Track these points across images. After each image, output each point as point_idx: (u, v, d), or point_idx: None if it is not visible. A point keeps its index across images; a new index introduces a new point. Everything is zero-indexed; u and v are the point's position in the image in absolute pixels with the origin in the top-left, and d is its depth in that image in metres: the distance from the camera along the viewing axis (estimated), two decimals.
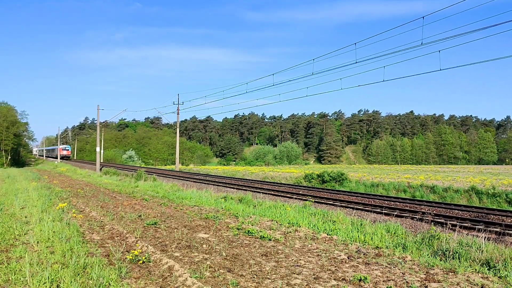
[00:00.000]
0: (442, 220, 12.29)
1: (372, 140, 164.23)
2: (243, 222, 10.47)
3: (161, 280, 5.95)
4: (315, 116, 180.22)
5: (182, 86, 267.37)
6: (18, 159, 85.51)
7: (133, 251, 7.24)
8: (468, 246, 7.45)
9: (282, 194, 20.85)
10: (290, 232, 9.38)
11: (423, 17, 14.56)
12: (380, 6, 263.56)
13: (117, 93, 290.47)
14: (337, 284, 5.73)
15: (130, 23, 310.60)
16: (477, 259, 6.76)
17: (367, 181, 31.58)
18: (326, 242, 8.44)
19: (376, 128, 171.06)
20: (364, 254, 7.45)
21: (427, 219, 11.58)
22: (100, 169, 42.20)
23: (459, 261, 6.78)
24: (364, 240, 8.48)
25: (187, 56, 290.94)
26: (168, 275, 6.11)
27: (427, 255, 7.30)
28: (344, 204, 16.37)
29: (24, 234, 8.91)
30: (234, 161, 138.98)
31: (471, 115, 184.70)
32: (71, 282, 5.48)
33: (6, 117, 73.49)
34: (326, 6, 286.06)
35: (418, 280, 5.90)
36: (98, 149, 44.62)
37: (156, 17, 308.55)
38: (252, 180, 34.71)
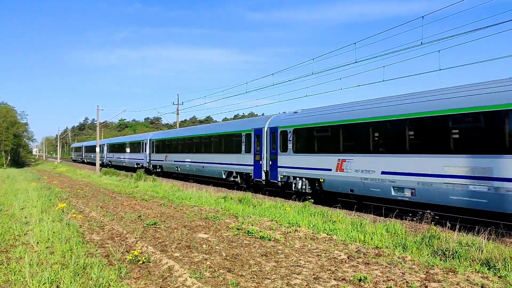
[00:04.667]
0: (442, 220, 12.28)
1: None
2: (243, 222, 10.47)
3: (161, 280, 5.95)
4: None
5: (182, 86, 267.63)
6: (18, 159, 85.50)
7: (133, 251, 7.24)
8: (468, 246, 7.45)
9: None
10: (290, 232, 9.37)
11: (422, 16, 14.41)
12: (380, 6, 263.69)
13: (117, 93, 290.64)
14: (337, 284, 5.73)
15: (130, 23, 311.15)
16: (477, 258, 6.76)
17: None
18: (326, 242, 8.43)
19: None
20: (364, 254, 7.45)
21: (427, 219, 11.56)
22: (100, 170, 42.17)
23: (459, 261, 6.78)
24: (364, 240, 8.47)
25: (187, 56, 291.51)
26: (168, 275, 6.11)
27: (427, 255, 7.30)
28: (344, 204, 16.33)
29: (24, 234, 8.90)
30: None
31: None
32: (71, 282, 5.48)
33: (6, 118, 73.60)
34: (326, 6, 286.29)
35: (418, 280, 5.90)
36: (97, 149, 44.60)
37: (156, 17, 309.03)
38: None
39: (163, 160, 33.25)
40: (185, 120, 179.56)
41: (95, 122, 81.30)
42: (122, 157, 47.34)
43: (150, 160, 36.79)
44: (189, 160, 27.71)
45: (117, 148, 49.94)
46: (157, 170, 34.81)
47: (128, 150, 44.75)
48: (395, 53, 16.64)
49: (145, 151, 37.90)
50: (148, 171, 36.13)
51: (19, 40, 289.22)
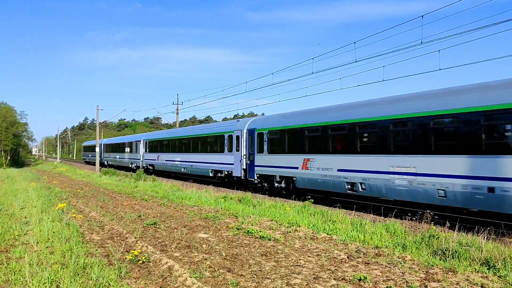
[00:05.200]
0: (442, 220, 12.28)
1: None
2: (242, 222, 10.47)
3: (161, 280, 5.95)
4: None
5: (182, 86, 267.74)
6: (18, 159, 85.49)
7: (132, 251, 7.24)
8: (467, 246, 7.46)
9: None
10: (290, 232, 9.38)
11: (422, 16, 14.50)
12: (380, 6, 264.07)
13: (117, 93, 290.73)
14: (337, 284, 5.73)
15: (130, 23, 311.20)
16: (477, 258, 6.77)
17: None
18: (326, 242, 8.44)
19: None
20: (363, 253, 7.46)
21: (427, 219, 11.58)
22: (100, 169, 42.17)
23: (459, 261, 6.78)
24: (364, 239, 8.48)
25: (187, 56, 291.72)
26: (168, 275, 6.11)
27: (427, 254, 7.31)
28: (343, 204, 16.34)
29: (24, 234, 8.91)
30: None
31: None
32: (71, 282, 5.48)
33: (5, 118, 73.57)
34: (326, 6, 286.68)
35: (418, 280, 5.90)
36: (97, 149, 44.60)
37: (156, 17, 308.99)
38: None
39: (297, 168, 17.09)
40: (185, 120, 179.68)
41: (94, 122, 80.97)
42: (168, 159, 31.90)
43: (251, 163, 20.83)
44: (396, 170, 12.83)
45: (168, 145, 32.62)
46: (279, 185, 18.73)
47: (192, 148, 28.05)
48: (395, 53, 16.64)
49: (238, 149, 22.10)
50: (239, 184, 22.81)
51: (19, 40, 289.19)
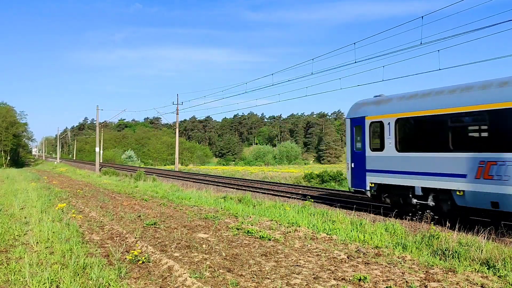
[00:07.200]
0: (442, 220, 12.28)
1: None
2: (242, 222, 10.47)
3: (160, 280, 5.95)
4: (315, 116, 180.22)
5: (181, 86, 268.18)
6: (18, 159, 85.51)
7: (132, 251, 7.24)
8: (467, 246, 7.46)
9: (282, 194, 20.84)
10: (290, 232, 9.37)
11: (422, 17, 14.54)
12: (380, 6, 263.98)
13: (117, 93, 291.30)
14: (337, 284, 5.73)
15: (130, 24, 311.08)
16: (477, 258, 6.77)
17: None
18: (326, 242, 8.44)
19: None
20: (363, 253, 7.46)
21: (427, 219, 11.57)
22: (100, 170, 42.18)
23: (459, 261, 6.78)
24: (364, 239, 8.48)
25: (187, 56, 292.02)
26: (168, 275, 6.11)
27: (427, 254, 7.31)
28: (343, 204, 16.36)
29: (24, 234, 8.91)
30: (234, 161, 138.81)
31: None
32: (71, 282, 5.48)
33: (5, 118, 73.62)
34: (326, 6, 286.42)
35: (418, 280, 5.90)
36: (97, 149, 44.66)
37: (156, 17, 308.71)
38: (251, 180, 34.69)
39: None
40: (185, 120, 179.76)
41: (94, 122, 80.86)
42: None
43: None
44: None
45: None
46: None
47: None
48: (395, 53, 16.64)
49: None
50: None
51: (19, 40, 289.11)
